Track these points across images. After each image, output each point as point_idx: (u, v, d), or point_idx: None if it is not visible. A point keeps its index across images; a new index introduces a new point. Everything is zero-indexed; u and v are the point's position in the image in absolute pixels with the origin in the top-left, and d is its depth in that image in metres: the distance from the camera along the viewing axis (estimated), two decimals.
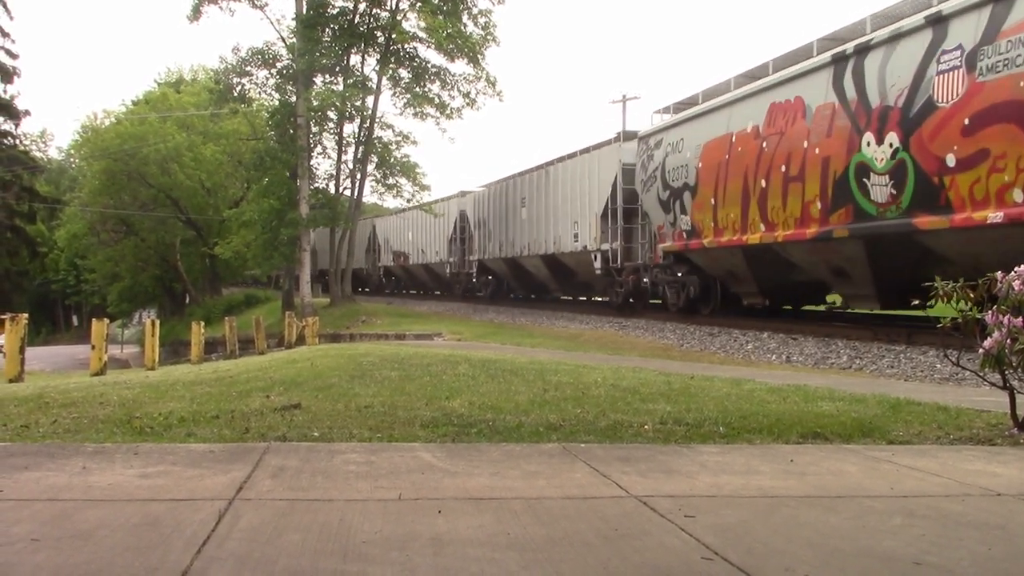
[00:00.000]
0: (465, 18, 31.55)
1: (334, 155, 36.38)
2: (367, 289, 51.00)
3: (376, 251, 49.28)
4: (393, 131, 35.33)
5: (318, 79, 34.07)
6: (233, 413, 6.40)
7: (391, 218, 45.92)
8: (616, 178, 23.62)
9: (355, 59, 34.69)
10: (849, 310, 17.02)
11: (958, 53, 11.99)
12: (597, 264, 24.63)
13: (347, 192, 36.07)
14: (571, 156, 27.21)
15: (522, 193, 30.59)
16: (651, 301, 23.82)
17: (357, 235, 47.42)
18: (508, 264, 32.24)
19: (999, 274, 5.88)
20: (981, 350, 5.81)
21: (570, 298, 32.95)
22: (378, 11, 33.33)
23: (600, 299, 29.55)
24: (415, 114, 34.11)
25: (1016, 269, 5.83)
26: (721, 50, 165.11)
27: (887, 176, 13.34)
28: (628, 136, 23.90)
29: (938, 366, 11.62)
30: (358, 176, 35.04)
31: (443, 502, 3.90)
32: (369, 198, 38.87)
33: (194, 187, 49.80)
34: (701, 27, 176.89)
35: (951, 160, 12.11)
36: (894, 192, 13.23)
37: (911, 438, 5.90)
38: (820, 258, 15.56)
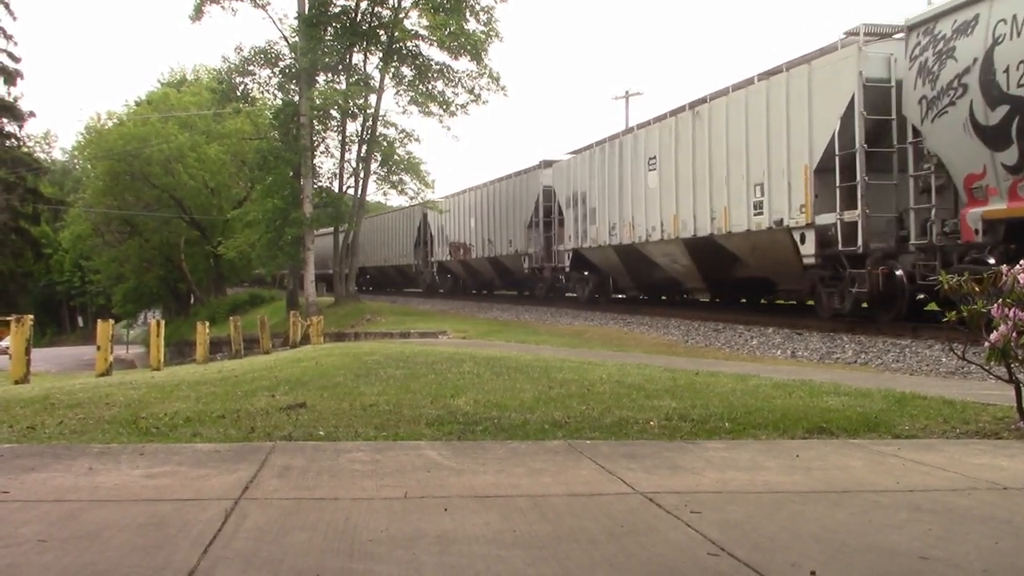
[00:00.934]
0: (468, 15, 31.51)
1: (337, 154, 36.43)
2: (416, 290, 44.72)
3: (427, 244, 41.22)
4: (396, 129, 35.32)
5: (321, 78, 34.09)
6: (239, 413, 6.41)
7: (447, 202, 37.96)
8: (852, 105, 14.53)
9: (357, 57, 34.71)
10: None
11: None
12: (808, 249, 15.67)
13: (351, 191, 36.07)
14: (745, 84, 17.97)
15: (648, 151, 21.52)
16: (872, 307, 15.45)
17: (403, 227, 43.83)
18: (621, 254, 23.43)
19: (1004, 267, 5.86)
20: (987, 344, 5.80)
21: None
22: (380, 9, 33.34)
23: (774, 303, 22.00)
24: (420, 111, 34.10)
25: (1022, 262, 5.81)
26: (722, 49, 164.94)
27: None
28: (874, 33, 14.90)
29: (944, 360, 11.59)
30: (361, 175, 35.05)
31: (449, 500, 3.91)
32: (374, 196, 38.85)
33: (198, 187, 49.92)
34: (703, 25, 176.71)
35: None
36: None
37: (917, 432, 5.89)
38: None
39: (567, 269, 27.59)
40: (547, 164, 29.08)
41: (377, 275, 50.78)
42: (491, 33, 31.73)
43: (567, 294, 29.29)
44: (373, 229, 47.11)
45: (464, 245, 35.87)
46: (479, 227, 34.18)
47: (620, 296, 27.79)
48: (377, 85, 33.76)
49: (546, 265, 29.09)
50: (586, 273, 27.21)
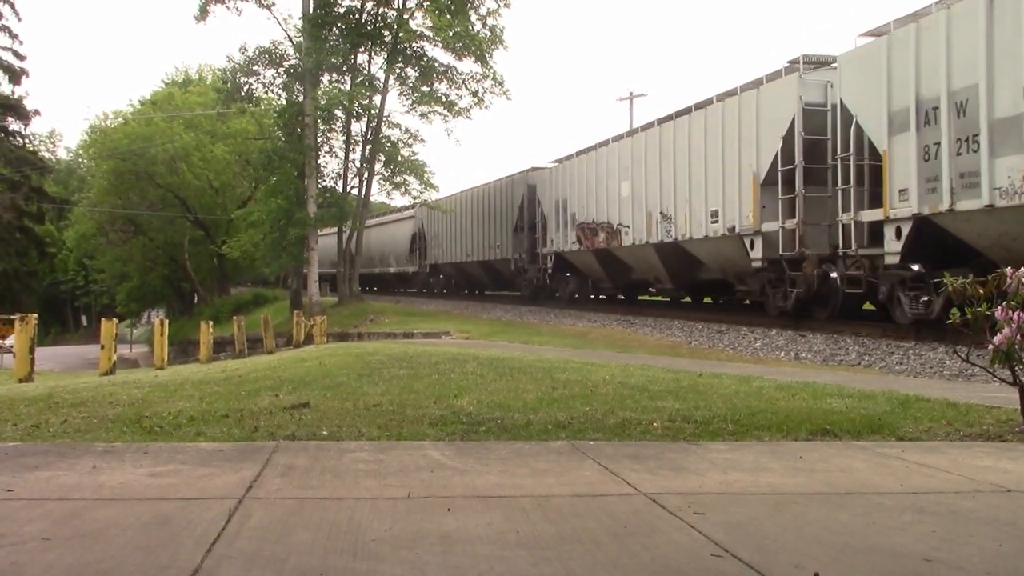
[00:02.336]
0: (473, 17, 31.54)
1: (341, 154, 36.45)
2: (516, 293, 33.13)
3: (537, 228, 29.14)
4: (400, 129, 35.33)
5: (325, 78, 34.11)
6: (242, 412, 6.42)
7: (574, 163, 26.41)
8: None
9: (362, 58, 34.72)
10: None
11: None
12: None
13: (355, 191, 36.10)
14: None
15: None
16: None
17: (495, 206, 32.59)
18: None
19: (1008, 270, 5.86)
20: (991, 346, 5.79)
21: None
22: (385, 10, 33.40)
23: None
24: (422, 115, 34.12)
25: None
26: (722, 49, 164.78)
27: None
28: None
29: (947, 362, 11.59)
30: (365, 175, 35.09)
31: (452, 500, 3.91)
32: (377, 196, 38.76)
33: (202, 187, 50.03)
34: (705, 25, 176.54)
35: None
36: None
37: (921, 435, 5.88)
38: None
39: (894, 259, 13.80)
40: (811, 64, 16.31)
41: (454, 274, 38.88)
42: (496, 39, 31.74)
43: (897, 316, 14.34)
44: (448, 213, 36.73)
45: (607, 227, 23.45)
46: (643, 194, 21.49)
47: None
48: (381, 86, 33.84)
49: (811, 253, 15.79)
50: (917, 268, 13.68)
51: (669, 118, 20.73)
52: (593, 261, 25.45)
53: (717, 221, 18.49)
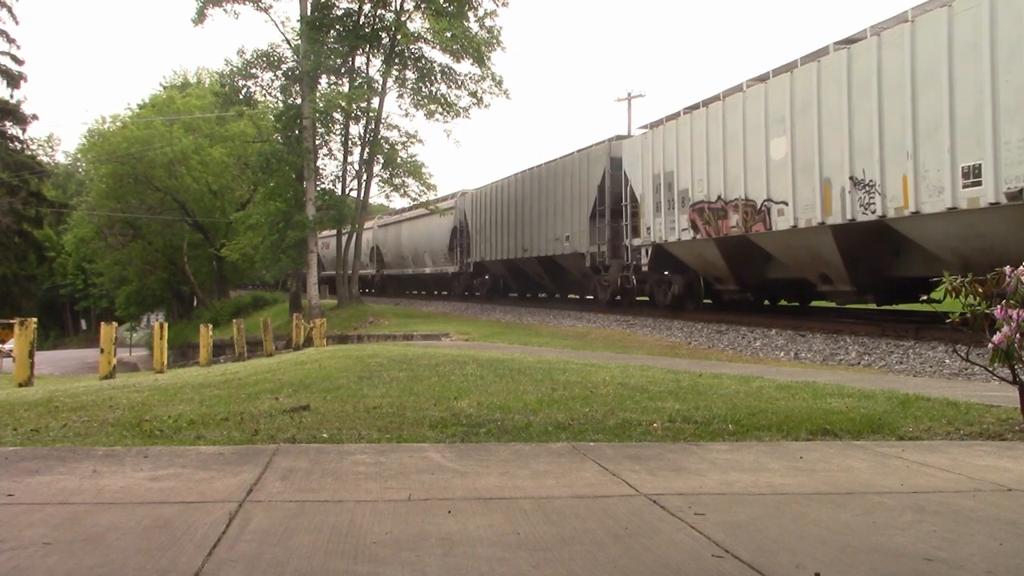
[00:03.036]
0: (472, 19, 31.56)
1: (340, 156, 36.45)
2: (588, 298, 28.10)
3: (623, 214, 22.85)
4: (399, 131, 35.32)
5: (323, 80, 34.15)
6: (242, 415, 6.42)
7: (683, 123, 19.63)
8: None
9: (360, 60, 34.76)
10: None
11: None
12: None
13: (353, 193, 36.10)
14: None
15: None
16: None
17: (562, 186, 26.37)
18: None
19: (1008, 268, 5.86)
20: (990, 345, 5.79)
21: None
22: (383, 12, 33.42)
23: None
24: (427, 114, 34.09)
25: None
26: (723, 49, 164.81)
27: None
28: None
29: (947, 361, 11.59)
30: (364, 177, 35.10)
31: (453, 502, 3.91)
32: (376, 199, 38.70)
33: (201, 190, 50.05)
34: (705, 25, 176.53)
35: None
36: None
37: (921, 434, 5.88)
38: None
39: None
40: None
41: (504, 274, 33.39)
42: (494, 41, 31.75)
43: None
44: (494, 201, 32.11)
45: (745, 205, 17.15)
46: (813, 154, 15.17)
47: None
48: (379, 88, 33.86)
49: None
50: None
51: (860, 37, 14.31)
52: (715, 254, 18.69)
53: (977, 182, 11.89)
